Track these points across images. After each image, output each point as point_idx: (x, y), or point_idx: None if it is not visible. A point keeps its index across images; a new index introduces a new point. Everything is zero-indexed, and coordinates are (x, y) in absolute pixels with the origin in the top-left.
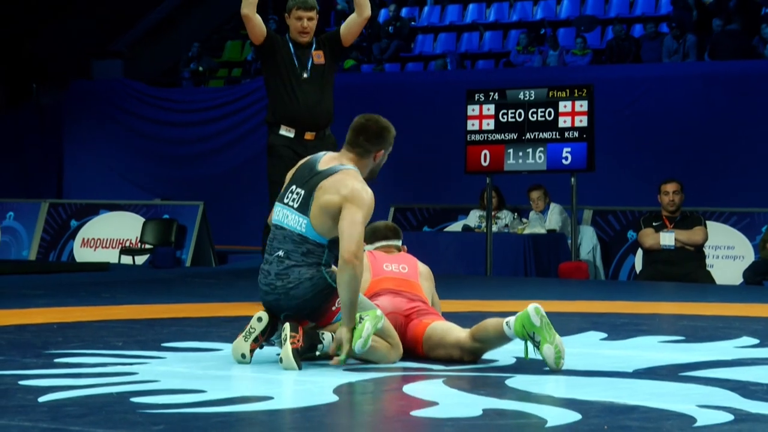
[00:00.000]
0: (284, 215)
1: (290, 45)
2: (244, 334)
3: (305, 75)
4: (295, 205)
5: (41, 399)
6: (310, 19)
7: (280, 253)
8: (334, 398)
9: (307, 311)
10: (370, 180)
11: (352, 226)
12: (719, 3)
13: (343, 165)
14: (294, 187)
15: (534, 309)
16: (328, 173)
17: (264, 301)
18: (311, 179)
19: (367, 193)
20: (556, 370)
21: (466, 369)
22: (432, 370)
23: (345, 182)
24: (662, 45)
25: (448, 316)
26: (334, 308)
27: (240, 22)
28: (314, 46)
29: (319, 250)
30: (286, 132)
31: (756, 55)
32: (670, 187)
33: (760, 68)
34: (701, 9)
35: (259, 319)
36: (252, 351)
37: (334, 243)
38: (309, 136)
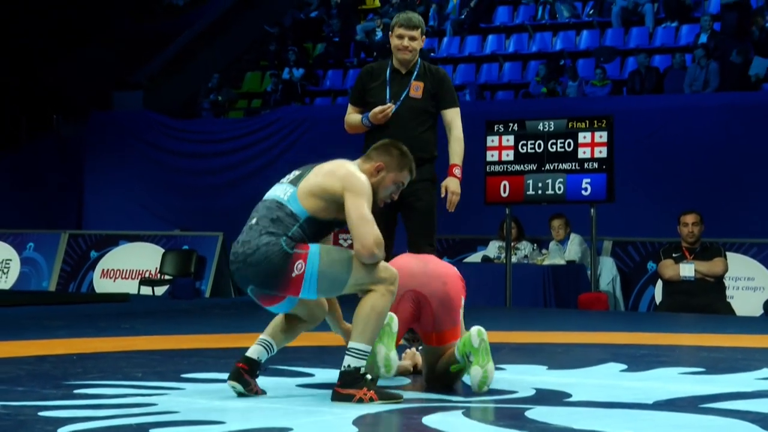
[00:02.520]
0: (272, 189)
1: (388, 72)
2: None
3: (395, 106)
4: (287, 180)
5: (60, 430)
6: (412, 38)
7: (252, 221)
8: (354, 430)
9: (264, 280)
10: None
11: (361, 222)
12: (739, 32)
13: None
14: (293, 170)
15: (477, 331)
16: (326, 162)
17: (231, 272)
18: (310, 166)
19: (362, 178)
20: (478, 393)
21: (486, 400)
22: (451, 401)
23: (341, 165)
24: (685, 74)
25: None
26: (294, 275)
27: (259, 54)
28: (415, 75)
29: (290, 220)
30: None
31: None
32: (690, 219)
33: None
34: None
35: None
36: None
37: (310, 222)
38: None
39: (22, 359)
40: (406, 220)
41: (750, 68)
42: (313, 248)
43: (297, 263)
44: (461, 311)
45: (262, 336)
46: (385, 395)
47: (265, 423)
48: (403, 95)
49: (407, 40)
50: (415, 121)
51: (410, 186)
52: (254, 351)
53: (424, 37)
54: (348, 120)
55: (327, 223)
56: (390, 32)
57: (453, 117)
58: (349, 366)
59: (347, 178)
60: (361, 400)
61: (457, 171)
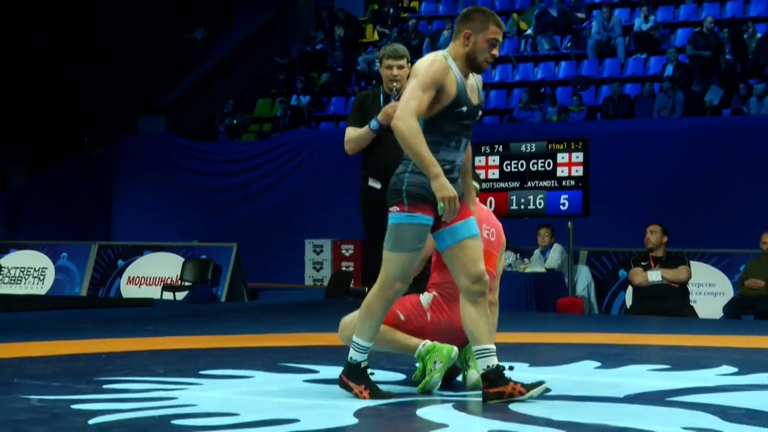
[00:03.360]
0: None
1: (381, 98)
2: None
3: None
4: None
5: (91, 421)
6: (400, 67)
7: None
8: (354, 420)
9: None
10: (476, 70)
11: (405, 94)
12: (706, 68)
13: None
14: None
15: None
16: None
17: None
18: None
19: (424, 62)
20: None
21: (474, 394)
22: (442, 395)
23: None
24: (653, 102)
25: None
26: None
27: (270, 82)
28: None
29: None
30: (373, 183)
31: (735, 111)
32: (656, 230)
33: (740, 123)
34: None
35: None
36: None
37: (427, 128)
38: None
39: (56, 357)
40: None
41: (706, 95)
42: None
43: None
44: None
45: None
46: (377, 395)
47: (274, 415)
48: None
49: (396, 69)
50: None
51: None
52: None
53: (410, 65)
54: (351, 135)
55: (436, 118)
56: (379, 63)
57: None
58: (351, 358)
59: (414, 67)
60: (356, 395)
61: None
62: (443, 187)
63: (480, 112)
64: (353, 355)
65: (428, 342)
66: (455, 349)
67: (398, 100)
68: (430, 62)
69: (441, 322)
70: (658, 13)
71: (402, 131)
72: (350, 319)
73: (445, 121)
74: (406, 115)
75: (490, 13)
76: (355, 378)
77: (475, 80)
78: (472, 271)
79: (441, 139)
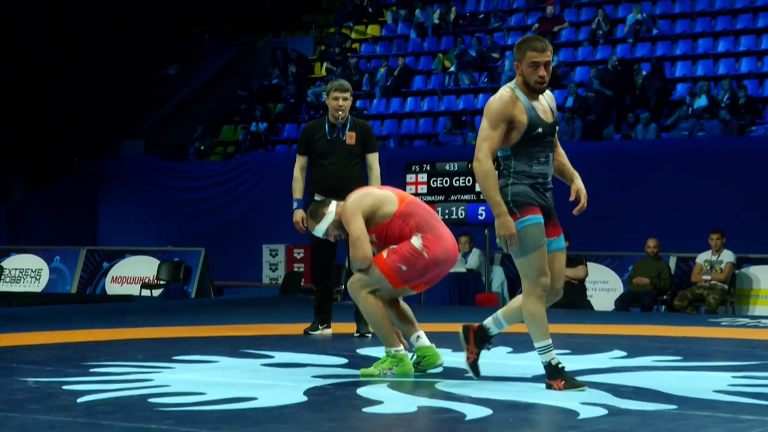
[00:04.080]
0: None
1: (326, 126)
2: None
3: (336, 149)
4: None
5: (79, 400)
6: (344, 99)
7: None
8: (304, 398)
9: None
10: (534, 92)
11: (479, 135)
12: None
13: None
14: None
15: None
16: None
17: None
18: None
19: (491, 101)
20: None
21: (405, 376)
22: (377, 376)
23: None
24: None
25: None
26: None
27: (233, 111)
28: (348, 127)
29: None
30: (318, 197)
31: (625, 137)
32: None
33: (628, 146)
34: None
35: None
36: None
37: (513, 150)
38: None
39: (50, 345)
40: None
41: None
42: None
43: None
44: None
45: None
46: (572, 384)
47: (236, 394)
48: (341, 141)
49: (341, 101)
50: (350, 161)
51: None
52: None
53: (352, 97)
54: (296, 175)
55: (519, 144)
56: (326, 95)
57: (374, 160)
58: (542, 362)
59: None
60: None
61: None
62: (503, 226)
63: (557, 127)
64: (542, 359)
65: (426, 343)
66: (437, 364)
67: (342, 126)
68: (495, 99)
69: (437, 254)
70: (560, 54)
71: (477, 173)
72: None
73: (528, 143)
74: (481, 157)
75: (527, 39)
76: (552, 375)
77: (546, 100)
78: (556, 286)
79: (531, 159)
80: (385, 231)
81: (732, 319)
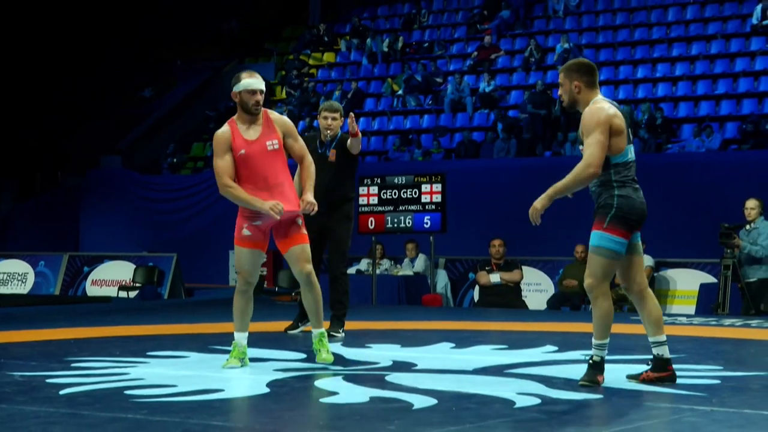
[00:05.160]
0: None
1: (318, 141)
2: None
3: (326, 163)
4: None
5: (61, 392)
6: (333, 118)
7: None
8: (267, 390)
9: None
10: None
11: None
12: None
13: None
14: None
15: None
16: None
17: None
18: None
19: (593, 115)
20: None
21: (358, 369)
22: (331, 369)
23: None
24: (494, 146)
25: (345, 334)
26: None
27: (203, 130)
28: (335, 143)
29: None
30: None
31: (555, 153)
32: (496, 243)
33: (558, 162)
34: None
35: None
36: None
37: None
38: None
39: (35, 342)
40: (329, 245)
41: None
42: None
43: None
44: None
45: None
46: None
47: (205, 386)
48: (329, 155)
49: (330, 120)
50: (340, 173)
51: (333, 220)
52: None
53: (342, 117)
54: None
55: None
56: (318, 115)
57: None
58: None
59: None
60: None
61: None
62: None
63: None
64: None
65: (320, 330)
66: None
67: (330, 143)
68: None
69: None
70: (497, 79)
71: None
72: None
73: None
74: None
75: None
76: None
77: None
78: (635, 282)
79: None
80: None
81: None
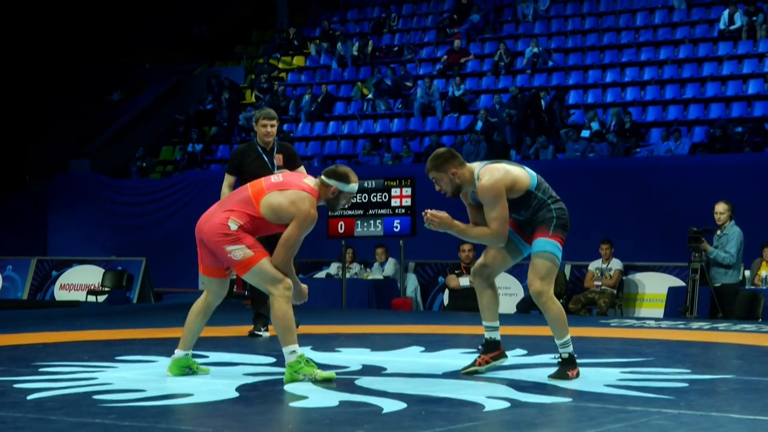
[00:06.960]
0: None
1: (259, 148)
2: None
3: (274, 170)
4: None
5: (29, 397)
6: (272, 126)
7: None
8: (236, 394)
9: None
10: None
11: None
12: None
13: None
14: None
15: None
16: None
17: None
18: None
19: (489, 190)
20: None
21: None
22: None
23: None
24: (463, 149)
25: (315, 338)
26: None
27: (172, 134)
28: (276, 149)
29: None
30: None
31: (525, 157)
32: (467, 247)
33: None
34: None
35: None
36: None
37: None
38: None
39: (2, 347)
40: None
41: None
42: None
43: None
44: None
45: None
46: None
47: (174, 391)
48: (272, 163)
49: (269, 128)
50: None
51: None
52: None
53: (278, 123)
54: (224, 192)
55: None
56: (255, 122)
57: (301, 170)
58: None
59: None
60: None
61: None
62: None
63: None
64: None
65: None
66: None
67: (270, 148)
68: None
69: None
70: (467, 83)
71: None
72: None
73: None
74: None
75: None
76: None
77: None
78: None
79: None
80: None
81: (620, 321)
